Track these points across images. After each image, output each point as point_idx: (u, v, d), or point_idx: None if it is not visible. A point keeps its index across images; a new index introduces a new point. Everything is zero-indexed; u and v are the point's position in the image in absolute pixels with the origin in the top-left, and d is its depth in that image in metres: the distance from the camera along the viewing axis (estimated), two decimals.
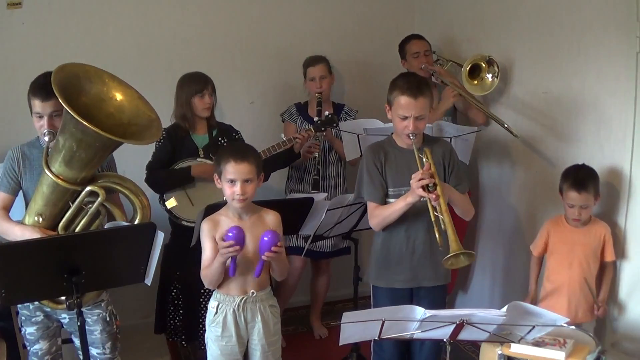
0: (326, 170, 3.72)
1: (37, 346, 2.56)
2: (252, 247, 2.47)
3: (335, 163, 3.75)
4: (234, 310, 2.50)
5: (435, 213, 2.42)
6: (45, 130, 2.41)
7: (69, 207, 2.41)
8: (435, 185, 2.40)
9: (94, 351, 2.60)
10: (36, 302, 2.49)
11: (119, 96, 2.37)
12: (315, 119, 3.55)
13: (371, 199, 2.64)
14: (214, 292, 2.58)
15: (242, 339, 2.54)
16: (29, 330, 2.55)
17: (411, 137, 2.53)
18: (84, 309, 2.51)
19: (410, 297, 2.68)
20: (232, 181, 2.44)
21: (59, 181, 2.32)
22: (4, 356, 3.00)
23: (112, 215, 2.52)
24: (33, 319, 2.54)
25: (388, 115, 2.66)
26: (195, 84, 3.30)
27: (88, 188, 2.38)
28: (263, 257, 2.38)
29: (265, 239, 2.36)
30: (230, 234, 2.34)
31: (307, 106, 3.76)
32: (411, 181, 2.44)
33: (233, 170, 2.43)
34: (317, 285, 3.98)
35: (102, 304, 2.61)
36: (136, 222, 2.48)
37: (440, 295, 2.74)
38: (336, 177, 3.77)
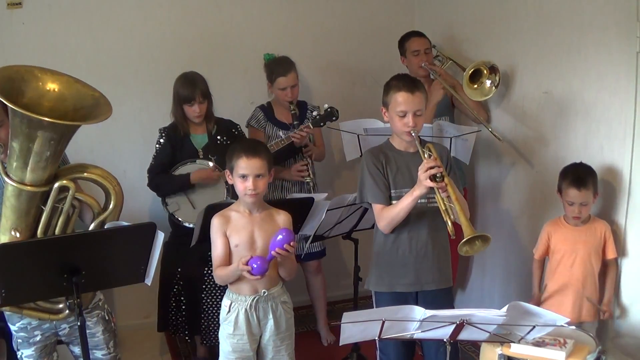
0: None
1: None
2: (261, 244, 2.50)
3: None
4: (246, 309, 2.53)
5: (445, 203, 2.41)
6: None
7: (42, 212, 2.32)
8: (442, 175, 2.40)
9: (98, 354, 2.58)
10: (34, 322, 2.44)
11: (55, 86, 2.25)
12: (314, 113, 3.50)
13: (377, 201, 2.62)
14: (227, 291, 2.61)
15: (255, 335, 2.58)
16: (26, 353, 2.48)
17: (412, 133, 2.54)
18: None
19: (416, 303, 2.63)
20: (244, 176, 2.48)
21: (25, 187, 2.22)
22: (4, 356, 3.00)
23: (86, 205, 2.42)
24: (31, 340, 2.47)
25: (385, 118, 2.66)
26: (184, 90, 3.27)
27: (56, 184, 2.28)
28: (273, 252, 2.39)
29: (280, 236, 2.38)
30: (254, 265, 2.36)
31: (273, 109, 3.68)
32: (419, 172, 2.44)
33: (245, 165, 2.47)
34: (313, 287, 3.95)
35: (100, 304, 2.60)
36: (111, 205, 2.40)
37: (448, 300, 2.73)
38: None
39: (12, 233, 2.30)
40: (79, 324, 2.23)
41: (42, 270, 2.17)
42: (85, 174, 2.38)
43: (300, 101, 3.69)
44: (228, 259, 2.52)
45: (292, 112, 3.55)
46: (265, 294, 2.54)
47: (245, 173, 2.47)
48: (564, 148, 3.25)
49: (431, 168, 2.39)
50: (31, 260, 2.13)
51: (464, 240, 2.31)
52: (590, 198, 2.85)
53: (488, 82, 3.45)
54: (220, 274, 2.51)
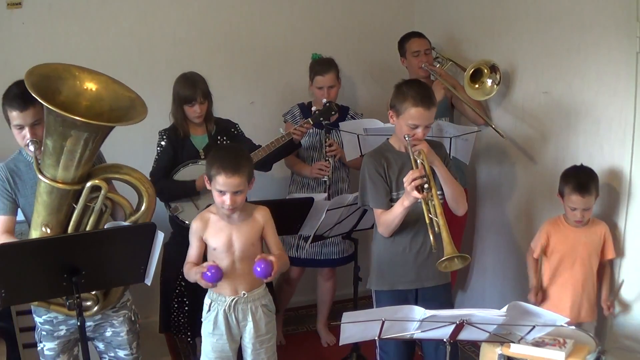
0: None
1: None
2: (239, 247, 2.51)
3: (339, 168, 3.68)
4: (224, 310, 2.53)
5: (429, 215, 2.40)
6: (29, 141, 2.32)
7: (73, 210, 2.34)
8: (430, 187, 2.39)
9: (121, 353, 2.59)
10: (61, 316, 2.45)
11: (93, 86, 2.27)
12: (313, 108, 3.48)
13: (377, 206, 2.63)
14: (208, 290, 2.60)
15: (234, 336, 2.58)
16: (48, 346, 2.49)
17: (406, 138, 2.53)
18: (109, 312, 2.54)
19: (415, 299, 2.65)
20: (221, 192, 2.46)
21: (58, 185, 2.24)
22: (4, 356, 3.00)
23: (117, 205, 2.45)
24: (55, 334, 2.48)
25: (391, 120, 2.63)
26: (184, 90, 3.26)
27: (89, 184, 2.30)
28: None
29: (259, 269, 2.40)
30: (208, 274, 2.39)
31: (311, 108, 3.66)
32: (404, 184, 2.44)
33: (223, 182, 2.44)
34: (322, 291, 3.93)
35: (128, 304, 2.60)
36: (143, 207, 2.42)
37: (447, 296, 2.74)
38: (340, 182, 3.71)
39: (43, 229, 2.32)
40: (78, 324, 2.23)
41: (42, 270, 2.17)
42: (118, 175, 2.41)
43: (343, 106, 3.65)
44: (199, 260, 2.55)
45: (315, 111, 3.50)
46: (245, 295, 2.53)
47: (224, 190, 2.45)
48: (564, 148, 3.25)
49: (415, 180, 2.39)
50: (31, 260, 2.13)
51: (444, 258, 2.32)
52: (593, 202, 2.85)
53: (489, 81, 3.46)
54: (186, 271, 2.54)
